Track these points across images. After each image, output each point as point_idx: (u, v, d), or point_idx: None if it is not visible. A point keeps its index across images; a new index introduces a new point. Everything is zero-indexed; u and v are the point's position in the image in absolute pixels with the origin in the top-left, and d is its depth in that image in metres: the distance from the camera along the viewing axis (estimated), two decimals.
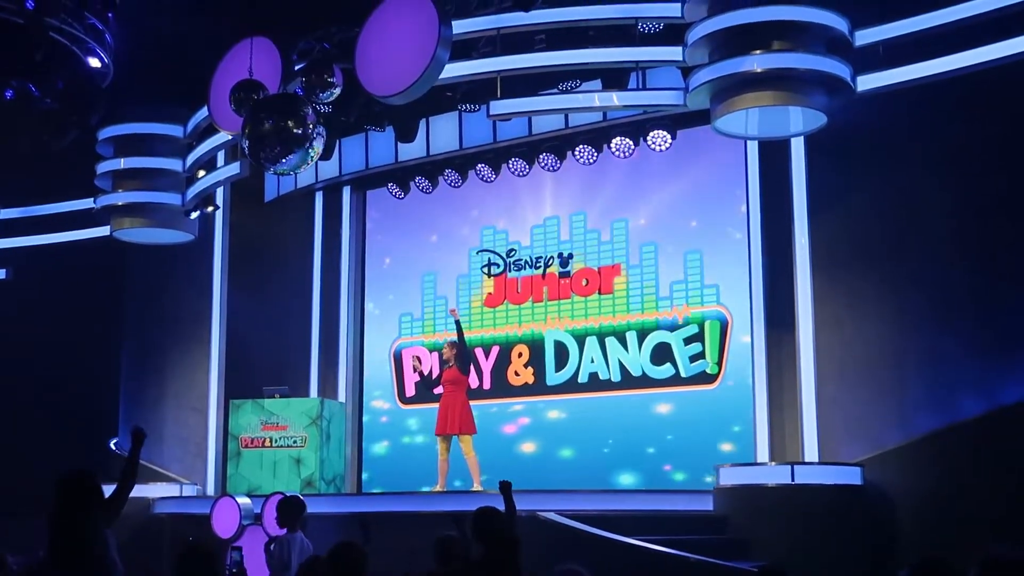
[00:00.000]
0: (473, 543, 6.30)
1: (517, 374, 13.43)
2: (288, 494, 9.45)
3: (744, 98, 9.79)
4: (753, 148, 11.82)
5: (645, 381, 12.56)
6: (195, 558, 5.06)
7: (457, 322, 12.14)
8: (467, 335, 12.27)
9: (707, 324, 12.24)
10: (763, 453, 11.32)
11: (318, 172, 14.16)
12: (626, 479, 12.44)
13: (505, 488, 6.74)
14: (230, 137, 12.12)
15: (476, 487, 11.58)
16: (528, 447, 13.20)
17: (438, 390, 12.28)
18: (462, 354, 11.90)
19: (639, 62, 10.62)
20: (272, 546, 8.77)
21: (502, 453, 13.10)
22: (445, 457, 11.84)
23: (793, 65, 9.66)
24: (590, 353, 12.95)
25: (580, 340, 13.06)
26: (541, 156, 12.79)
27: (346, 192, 14.93)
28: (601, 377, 12.86)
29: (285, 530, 8.69)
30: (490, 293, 13.81)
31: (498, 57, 10.68)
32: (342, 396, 14.36)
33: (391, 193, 14.07)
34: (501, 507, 6.61)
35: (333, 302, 14.74)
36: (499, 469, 11.45)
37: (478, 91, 11.42)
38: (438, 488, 11.78)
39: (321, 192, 14.94)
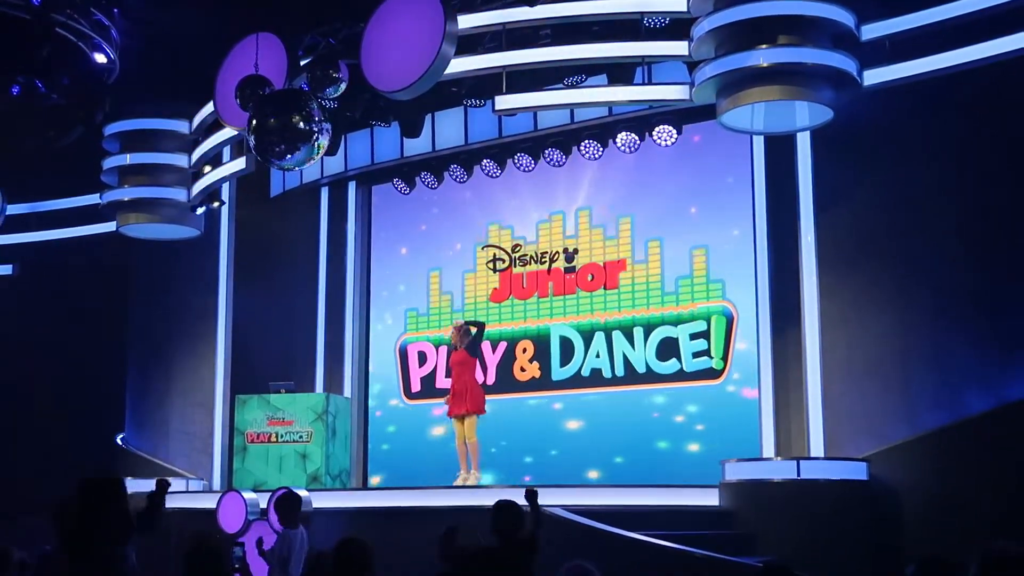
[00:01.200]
0: (490, 537, 6.27)
1: (523, 369, 13.43)
2: (279, 491, 9.51)
3: (750, 93, 9.77)
4: (759, 143, 11.81)
5: (650, 377, 12.56)
6: (204, 553, 5.07)
7: (481, 330, 12.14)
8: (473, 329, 12.22)
9: (713, 319, 12.23)
10: (769, 448, 11.32)
11: (323, 168, 14.15)
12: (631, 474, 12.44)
13: (531, 496, 6.70)
14: (236, 133, 12.13)
15: (474, 473, 11.56)
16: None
17: (442, 383, 12.37)
18: (476, 340, 11.94)
19: (645, 57, 10.59)
20: (263, 542, 8.86)
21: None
22: (463, 439, 11.80)
23: (799, 60, 9.64)
24: (596, 348, 12.94)
25: (586, 336, 13.05)
26: (546, 151, 12.79)
27: (351, 187, 14.93)
28: (605, 373, 12.85)
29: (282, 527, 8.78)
30: (496, 288, 13.81)
31: (503, 52, 10.67)
32: (348, 391, 14.37)
33: (396, 188, 14.07)
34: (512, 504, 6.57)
35: (338, 297, 14.74)
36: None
37: (483, 86, 11.42)
38: (462, 474, 11.73)
39: (327, 188, 14.93)
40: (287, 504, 8.83)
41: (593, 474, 12.53)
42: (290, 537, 8.60)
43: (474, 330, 12.05)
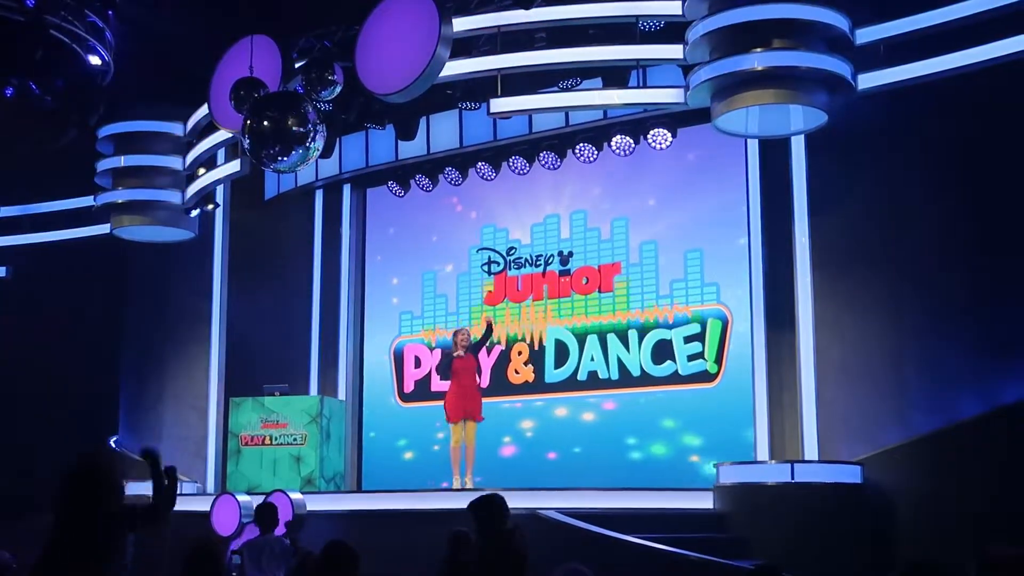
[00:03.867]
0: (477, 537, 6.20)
1: (517, 372, 13.43)
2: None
3: (745, 96, 9.80)
4: (753, 146, 11.81)
5: (645, 380, 12.56)
6: (202, 557, 5.04)
7: (490, 329, 12.08)
8: (472, 333, 12.17)
9: (708, 323, 12.24)
10: (763, 451, 11.33)
11: (318, 170, 14.15)
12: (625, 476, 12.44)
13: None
14: (230, 135, 12.12)
15: (468, 478, 11.54)
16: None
17: (438, 386, 12.30)
18: (479, 344, 11.93)
19: (639, 60, 10.62)
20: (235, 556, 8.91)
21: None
22: (460, 444, 11.75)
23: (794, 63, 9.66)
24: (590, 351, 12.94)
25: (580, 338, 13.05)
26: (541, 154, 12.79)
27: (346, 190, 14.91)
28: (600, 376, 12.85)
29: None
30: (490, 291, 13.81)
31: (498, 55, 10.69)
32: (342, 394, 14.35)
33: (391, 191, 14.07)
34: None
35: (333, 300, 14.72)
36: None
37: (478, 89, 11.42)
38: (457, 479, 11.67)
39: (321, 190, 14.92)
40: (258, 513, 8.95)
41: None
42: (261, 545, 8.65)
43: (477, 336, 12.00)
